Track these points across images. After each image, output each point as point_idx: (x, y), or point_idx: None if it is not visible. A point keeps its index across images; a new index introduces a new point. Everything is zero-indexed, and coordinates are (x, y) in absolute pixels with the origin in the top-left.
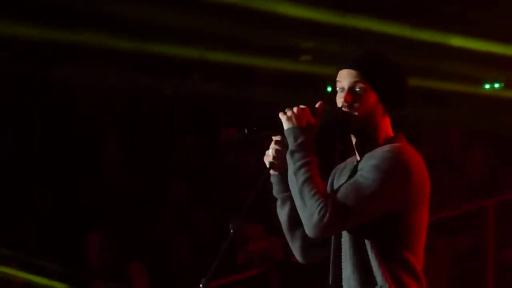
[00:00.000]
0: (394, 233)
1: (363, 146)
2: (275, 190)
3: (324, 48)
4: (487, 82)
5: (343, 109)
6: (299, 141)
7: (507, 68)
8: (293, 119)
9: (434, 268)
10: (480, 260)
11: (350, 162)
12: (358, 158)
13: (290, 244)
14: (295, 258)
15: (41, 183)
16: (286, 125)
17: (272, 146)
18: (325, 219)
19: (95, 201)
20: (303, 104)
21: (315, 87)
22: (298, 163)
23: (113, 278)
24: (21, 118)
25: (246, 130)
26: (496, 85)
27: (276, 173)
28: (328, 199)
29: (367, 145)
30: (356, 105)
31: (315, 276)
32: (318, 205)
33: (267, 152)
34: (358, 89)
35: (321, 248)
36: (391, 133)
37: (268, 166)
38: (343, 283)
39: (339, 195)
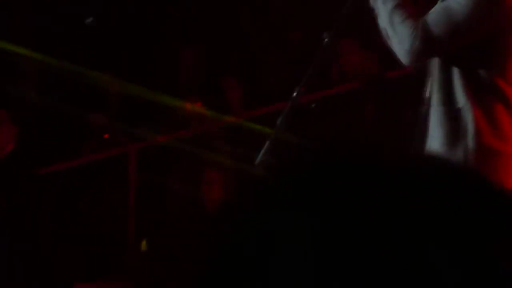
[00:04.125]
0: (485, 57)
1: None
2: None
3: None
4: None
5: None
6: None
7: None
8: None
9: None
10: None
11: None
12: None
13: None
14: (390, 73)
15: None
16: None
17: None
18: (417, 45)
19: (189, 14)
20: None
21: None
22: None
23: (207, 92)
24: None
25: None
26: None
27: None
28: (418, 24)
29: None
30: None
31: (409, 91)
32: (409, 31)
33: None
34: None
35: None
36: None
37: None
38: (431, 102)
39: (430, 20)
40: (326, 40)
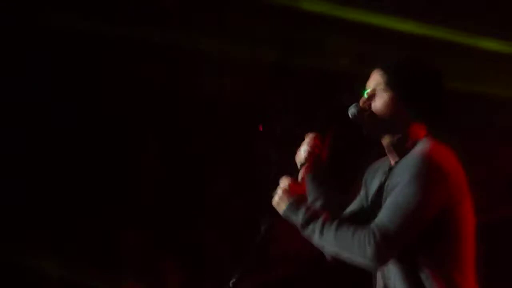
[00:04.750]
0: (442, 240)
1: (391, 149)
2: (307, 190)
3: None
4: None
5: (361, 107)
6: (302, 213)
7: None
8: (283, 200)
9: None
10: None
11: (382, 163)
12: (391, 162)
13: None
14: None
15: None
16: (281, 211)
17: (304, 146)
18: (379, 247)
19: (130, 196)
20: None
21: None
22: (318, 226)
23: (145, 276)
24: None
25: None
26: None
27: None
28: (372, 229)
29: (395, 149)
30: (372, 105)
31: (350, 280)
32: (365, 238)
33: (299, 151)
34: (378, 90)
35: None
36: (421, 137)
37: (299, 166)
38: None
39: (383, 219)
40: (263, 229)
